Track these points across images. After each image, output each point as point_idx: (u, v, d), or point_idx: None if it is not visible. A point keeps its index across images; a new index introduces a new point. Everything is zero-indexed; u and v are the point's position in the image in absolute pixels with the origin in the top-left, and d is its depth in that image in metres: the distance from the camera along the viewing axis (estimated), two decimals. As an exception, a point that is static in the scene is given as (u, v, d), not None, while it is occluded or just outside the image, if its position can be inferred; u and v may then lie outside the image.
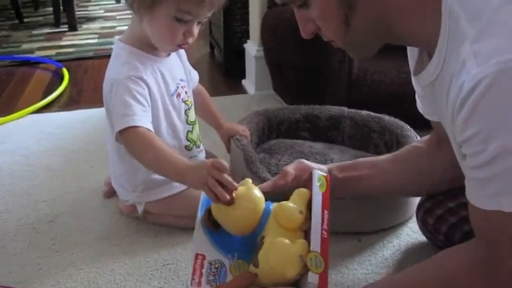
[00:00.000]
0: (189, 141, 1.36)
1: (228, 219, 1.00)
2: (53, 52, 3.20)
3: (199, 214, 1.04)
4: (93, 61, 3.02)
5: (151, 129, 1.20)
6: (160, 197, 1.36)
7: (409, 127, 1.59)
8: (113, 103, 1.22)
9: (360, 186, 1.18)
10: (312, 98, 1.81)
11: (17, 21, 4.03)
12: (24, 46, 3.40)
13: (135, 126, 1.17)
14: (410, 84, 1.79)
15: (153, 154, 1.15)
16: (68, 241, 1.38)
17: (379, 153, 1.65)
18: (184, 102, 1.33)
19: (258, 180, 1.43)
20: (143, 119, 1.19)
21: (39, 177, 1.72)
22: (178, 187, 1.35)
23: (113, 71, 1.26)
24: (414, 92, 1.80)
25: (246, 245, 1.01)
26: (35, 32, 3.75)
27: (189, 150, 1.37)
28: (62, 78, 2.66)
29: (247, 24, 2.47)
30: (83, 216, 1.48)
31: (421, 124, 1.75)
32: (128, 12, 1.33)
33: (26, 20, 4.07)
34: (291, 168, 1.14)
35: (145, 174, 1.33)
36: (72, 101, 2.42)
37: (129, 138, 1.18)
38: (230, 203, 0.97)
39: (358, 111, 1.71)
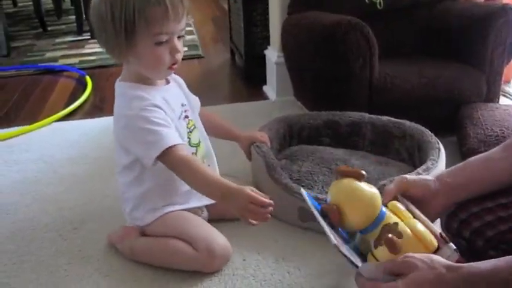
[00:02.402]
0: None
1: (353, 213, 1.04)
2: (76, 60, 3.25)
3: (314, 211, 1.08)
4: (115, 68, 3.05)
5: (180, 141, 1.24)
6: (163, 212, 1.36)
7: (430, 132, 1.59)
8: (132, 136, 1.25)
9: (474, 187, 1.18)
10: (332, 103, 1.81)
11: (41, 30, 4.09)
12: (48, 54, 3.46)
13: (169, 148, 1.20)
14: (431, 88, 1.80)
15: (193, 177, 1.21)
16: (94, 248, 1.41)
17: (401, 159, 1.65)
18: (187, 125, 1.35)
19: (280, 185, 1.45)
20: (172, 138, 1.22)
21: (65, 185, 1.75)
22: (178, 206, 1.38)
23: (123, 107, 1.27)
24: (434, 97, 1.81)
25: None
26: (58, 40, 3.81)
27: None
28: (85, 86, 2.70)
29: (268, 31, 2.48)
30: (108, 222, 1.50)
31: (442, 129, 1.76)
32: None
33: (49, 28, 4.13)
34: (392, 187, 1.14)
35: (152, 201, 1.35)
36: (95, 108, 2.46)
37: (167, 161, 1.22)
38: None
39: (379, 116, 1.71)
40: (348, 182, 1.07)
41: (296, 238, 1.40)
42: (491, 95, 1.95)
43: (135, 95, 1.25)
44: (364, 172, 1.07)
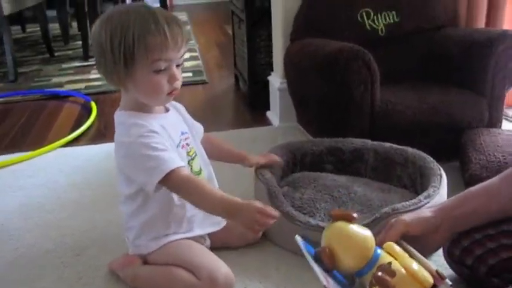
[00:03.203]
0: None
1: (346, 255, 1.06)
2: (82, 85, 3.28)
3: (308, 256, 1.10)
4: (119, 94, 3.07)
5: (181, 164, 1.23)
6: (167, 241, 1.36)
7: (431, 159, 1.59)
8: (133, 164, 1.25)
9: (476, 218, 1.19)
10: (335, 130, 1.82)
11: (48, 55, 4.13)
12: (54, 80, 3.49)
13: (170, 172, 1.20)
14: (433, 114, 1.81)
15: (198, 197, 1.23)
16: (95, 275, 1.41)
17: (403, 185, 1.65)
18: (188, 153, 1.35)
19: (282, 213, 1.45)
20: (173, 161, 1.22)
21: (68, 211, 1.76)
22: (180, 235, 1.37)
23: (122, 135, 1.27)
24: (436, 123, 1.81)
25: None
26: (64, 65, 3.85)
27: None
28: (90, 112, 2.72)
29: (271, 57, 2.50)
30: (110, 250, 1.50)
31: (444, 154, 1.77)
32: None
33: (56, 54, 4.17)
34: (392, 233, 1.16)
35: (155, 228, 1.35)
36: (100, 134, 2.47)
37: (170, 184, 1.22)
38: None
39: (382, 143, 1.72)
40: (339, 224, 1.09)
41: (297, 266, 1.39)
42: (494, 120, 1.95)
43: (133, 123, 1.26)
44: (355, 214, 1.10)
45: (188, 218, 1.36)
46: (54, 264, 1.47)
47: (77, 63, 3.87)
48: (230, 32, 3.20)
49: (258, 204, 1.18)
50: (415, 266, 1.03)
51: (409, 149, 1.66)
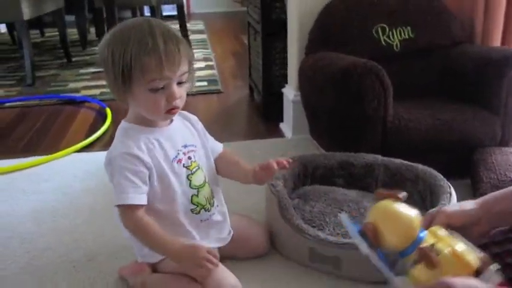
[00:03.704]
0: (195, 204, 1.35)
1: (391, 232, 1.06)
2: (97, 91, 3.32)
3: (352, 231, 1.11)
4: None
5: (142, 202, 1.26)
6: None
7: (442, 177, 1.60)
8: (111, 175, 1.30)
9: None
10: (347, 144, 1.84)
11: (65, 60, 4.18)
12: (71, 85, 3.53)
13: (126, 205, 1.25)
14: (445, 131, 1.81)
15: (149, 240, 1.29)
16: (106, 281, 1.43)
17: (413, 202, 1.64)
18: (187, 167, 1.34)
19: (292, 225, 1.46)
20: (132, 196, 1.25)
21: (81, 216, 1.78)
22: None
23: (112, 146, 1.31)
24: (448, 140, 1.81)
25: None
26: (82, 71, 3.89)
27: (196, 213, 1.36)
28: (105, 118, 2.75)
29: (286, 69, 2.52)
30: (122, 256, 1.52)
31: (455, 172, 1.77)
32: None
33: (74, 59, 4.22)
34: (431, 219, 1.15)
35: None
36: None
37: (122, 216, 1.28)
38: None
39: (392, 159, 1.72)
40: (385, 202, 1.09)
41: (305, 280, 1.41)
42: (506, 139, 1.95)
43: (122, 140, 1.29)
44: (404, 193, 1.10)
45: (191, 233, 1.36)
46: (66, 269, 1.49)
47: (93, 69, 3.91)
48: (246, 42, 3.22)
49: (203, 251, 1.24)
50: (460, 246, 1.01)
51: (420, 166, 1.67)
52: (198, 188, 1.36)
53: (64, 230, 1.70)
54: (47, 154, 2.29)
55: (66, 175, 2.11)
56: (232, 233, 1.46)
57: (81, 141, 2.43)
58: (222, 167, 1.47)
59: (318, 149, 2.16)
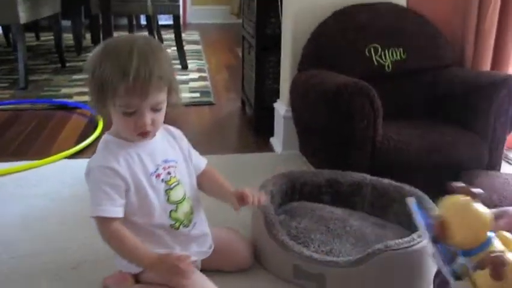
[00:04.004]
0: (173, 220, 1.35)
1: (462, 230, 1.03)
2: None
3: (418, 218, 1.11)
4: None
5: (117, 215, 1.28)
6: None
7: (428, 198, 1.61)
8: (88, 185, 1.31)
9: None
10: (336, 162, 1.85)
11: (59, 65, 4.18)
12: (64, 90, 3.53)
13: (101, 217, 1.27)
14: (433, 153, 1.83)
15: (117, 247, 1.31)
16: (88, 290, 1.43)
17: (399, 222, 1.67)
18: (166, 182, 1.34)
19: (277, 242, 1.48)
20: (107, 208, 1.27)
21: (68, 223, 1.78)
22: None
23: (92, 158, 1.33)
24: (436, 162, 1.83)
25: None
26: (75, 76, 3.89)
27: (175, 229, 1.36)
28: (96, 125, 2.75)
29: (279, 84, 2.54)
30: (106, 265, 1.51)
31: (440, 195, 1.78)
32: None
33: (68, 64, 4.22)
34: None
35: None
36: (104, 148, 2.50)
37: (98, 227, 1.30)
38: None
39: (380, 179, 1.74)
40: (461, 198, 1.06)
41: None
42: (493, 163, 1.98)
43: (101, 152, 1.32)
44: (480, 191, 1.07)
45: (171, 245, 1.37)
46: (49, 277, 1.49)
47: (87, 75, 3.90)
48: (240, 55, 3.24)
49: (173, 258, 1.26)
50: None
51: (407, 187, 1.68)
52: (176, 204, 1.36)
53: (50, 236, 1.70)
54: (37, 159, 2.29)
55: (55, 181, 2.11)
56: (213, 247, 1.46)
57: (71, 147, 2.43)
58: (204, 185, 1.48)
59: (307, 165, 2.17)
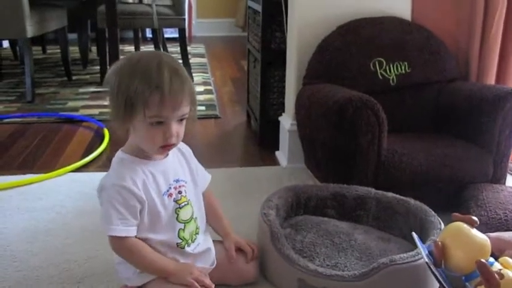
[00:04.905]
0: (180, 239, 1.37)
1: (460, 253, 1.08)
2: (96, 111, 3.34)
3: (421, 249, 1.15)
4: (133, 122, 3.12)
5: (130, 234, 1.29)
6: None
7: (433, 213, 1.61)
8: (101, 204, 1.32)
9: None
10: (341, 175, 1.86)
11: (65, 78, 4.20)
12: (70, 103, 3.55)
13: (115, 236, 1.28)
14: (438, 167, 1.83)
15: (137, 260, 1.33)
16: (94, 304, 1.43)
17: (403, 236, 1.67)
18: (176, 201, 1.36)
19: (282, 255, 1.48)
20: (121, 228, 1.27)
21: (73, 237, 1.79)
22: None
23: (107, 175, 1.33)
24: (440, 176, 1.83)
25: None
26: (81, 90, 3.92)
27: (181, 248, 1.37)
28: (102, 138, 2.77)
29: (284, 97, 2.55)
30: (111, 279, 1.52)
31: (447, 207, 1.78)
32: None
33: (74, 77, 4.24)
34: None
35: None
36: (110, 162, 2.50)
37: (112, 245, 1.31)
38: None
39: (385, 193, 1.74)
40: (459, 224, 1.11)
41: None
42: (498, 176, 1.98)
43: (117, 170, 1.32)
44: (476, 219, 1.12)
45: (176, 259, 1.37)
46: (56, 290, 1.50)
47: (93, 89, 3.94)
48: (245, 68, 3.25)
49: (197, 271, 1.33)
50: None
51: (412, 201, 1.68)
52: (184, 223, 1.37)
53: (55, 250, 1.71)
54: (43, 172, 2.30)
55: (60, 195, 2.12)
56: (216, 263, 1.46)
57: (77, 160, 2.45)
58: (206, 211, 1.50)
59: (312, 179, 2.18)
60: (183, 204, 1.37)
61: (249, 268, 1.52)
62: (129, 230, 1.28)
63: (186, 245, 1.38)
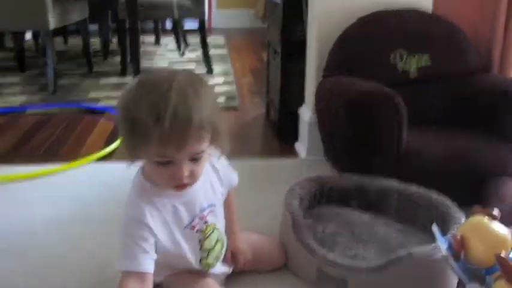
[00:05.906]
0: (203, 265, 1.31)
1: (481, 246, 1.08)
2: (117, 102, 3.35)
3: (440, 243, 1.16)
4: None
5: (151, 270, 1.19)
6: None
7: (455, 207, 1.60)
8: (120, 232, 1.23)
9: None
10: (360, 168, 1.85)
11: (87, 70, 4.24)
12: (92, 94, 3.59)
13: (134, 272, 1.17)
14: (458, 160, 1.82)
15: None
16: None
17: (424, 230, 1.66)
18: (201, 232, 1.27)
19: (303, 244, 1.49)
20: (143, 262, 1.17)
21: (95, 227, 1.81)
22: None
23: (127, 201, 1.24)
24: (461, 169, 1.82)
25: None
26: (102, 80, 3.95)
27: (205, 271, 1.33)
28: (123, 129, 2.79)
29: (303, 89, 2.54)
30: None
31: (468, 200, 1.77)
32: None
33: (95, 68, 4.27)
34: None
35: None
36: (131, 152, 2.53)
37: (125, 281, 1.18)
38: None
39: (408, 185, 1.73)
40: (479, 217, 1.12)
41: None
42: (519, 170, 1.96)
43: (137, 201, 1.21)
44: (497, 212, 1.13)
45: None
46: (77, 280, 1.53)
47: (114, 80, 3.97)
48: (265, 59, 3.25)
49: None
50: None
51: (434, 195, 1.67)
52: (208, 251, 1.30)
53: (79, 238, 1.74)
54: (65, 162, 2.34)
55: (83, 184, 2.15)
56: (232, 267, 1.46)
57: (99, 151, 2.48)
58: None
59: (332, 171, 2.17)
60: (209, 233, 1.28)
61: (277, 253, 1.54)
62: (150, 265, 1.18)
63: (211, 268, 1.33)
